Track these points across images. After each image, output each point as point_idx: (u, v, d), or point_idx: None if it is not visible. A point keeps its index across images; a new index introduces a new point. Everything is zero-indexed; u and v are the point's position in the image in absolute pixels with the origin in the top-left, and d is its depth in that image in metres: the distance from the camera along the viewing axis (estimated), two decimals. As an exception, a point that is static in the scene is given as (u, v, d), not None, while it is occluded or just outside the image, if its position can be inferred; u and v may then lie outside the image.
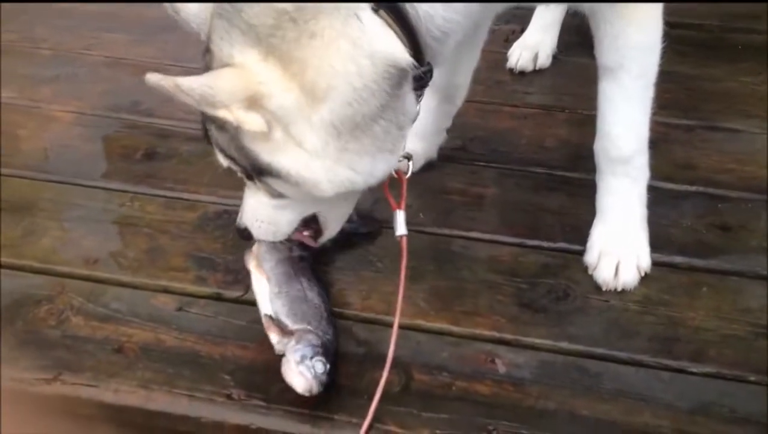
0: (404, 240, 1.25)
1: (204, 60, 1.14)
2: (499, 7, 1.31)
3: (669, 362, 1.27)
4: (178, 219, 1.52)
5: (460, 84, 1.57)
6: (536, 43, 1.95)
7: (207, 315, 1.33)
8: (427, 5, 1.06)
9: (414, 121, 1.17)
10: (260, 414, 1.19)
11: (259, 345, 1.28)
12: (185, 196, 1.57)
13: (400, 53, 1.05)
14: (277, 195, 1.18)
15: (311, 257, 1.36)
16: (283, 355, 1.20)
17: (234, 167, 1.18)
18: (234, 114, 1.04)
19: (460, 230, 1.50)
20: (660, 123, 1.52)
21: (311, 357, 1.17)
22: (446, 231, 1.50)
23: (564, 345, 1.29)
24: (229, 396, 1.21)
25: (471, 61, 1.55)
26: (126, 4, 2.15)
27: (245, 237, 1.28)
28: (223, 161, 1.19)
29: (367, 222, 1.46)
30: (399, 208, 1.26)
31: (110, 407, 1.21)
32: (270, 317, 1.25)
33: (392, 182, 1.25)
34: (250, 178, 1.18)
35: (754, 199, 1.56)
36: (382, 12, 1.04)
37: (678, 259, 1.44)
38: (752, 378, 1.24)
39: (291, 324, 1.23)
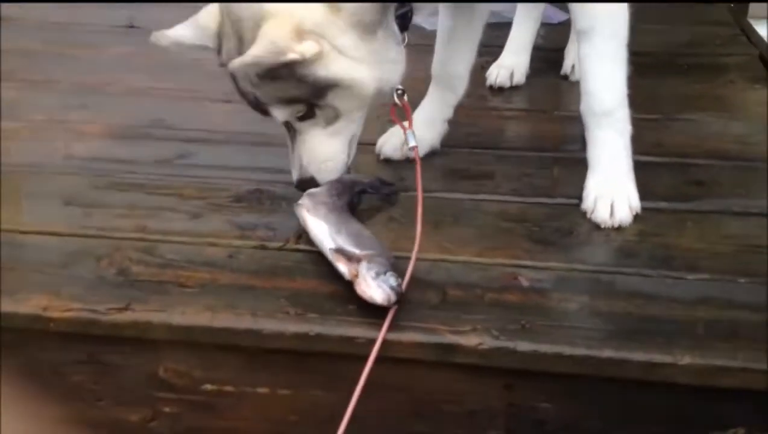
0: (417, 150, 1.55)
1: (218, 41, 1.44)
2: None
3: (669, 273, 1.44)
4: (213, 197, 1.66)
5: (460, 74, 1.80)
6: (512, 64, 2.21)
7: (255, 260, 1.47)
8: None
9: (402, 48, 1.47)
10: (317, 323, 1.31)
11: (308, 279, 1.41)
12: (219, 181, 1.72)
13: None
14: (332, 117, 1.42)
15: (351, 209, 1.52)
16: (352, 282, 1.32)
17: (292, 110, 1.41)
18: (297, 50, 1.30)
19: (468, 194, 1.68)
20: (629, 116, 1.74)
21: (385, 273, 1.30)
22: (456, 195, 1.68)
23: (577, 265, 1.46)
24: (287, 313, 1.33)
25: (468, 54, 1.79)
26: (142, 47, 2.34)
27: (306, 188, 1.50)
28: (281, 114, 1.42)
29: (386, 185, 1.64)
30: (409, 128, 1.54)
31: (178, 328, 1.33)
32: (335, 250, 1.38)
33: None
34: (309, 114, 1.41)
35: (720, 165, 1.79)
36: None
37: (663, 205, 1.63)
38: (742, 280, 1.42)
39: (359, 251, 1.35)
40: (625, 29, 1.57)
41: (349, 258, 1.36)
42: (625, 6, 1.57)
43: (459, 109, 1.88)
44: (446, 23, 1.76)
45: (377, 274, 1.30)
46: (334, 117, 1.43)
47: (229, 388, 1.37)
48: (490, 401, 1.33)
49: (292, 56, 1.30)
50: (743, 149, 1.85)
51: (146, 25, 2.52)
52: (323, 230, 1.42)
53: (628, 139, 1.61)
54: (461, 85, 1.81)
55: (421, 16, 1.79)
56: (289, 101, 1.40)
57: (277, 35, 1.30)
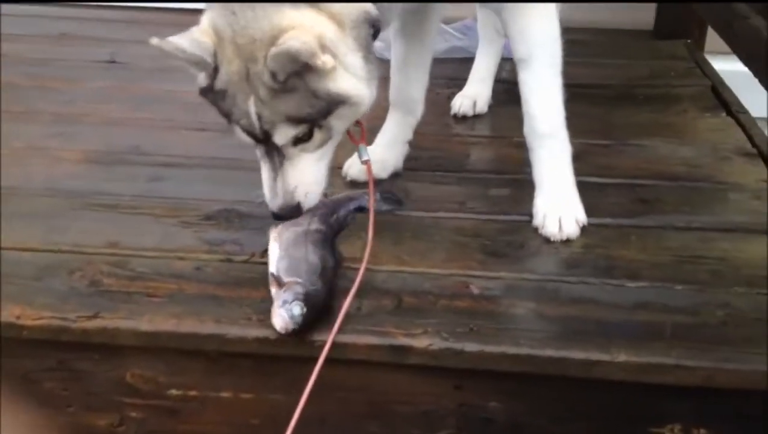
0: (369, 165, 1.60)
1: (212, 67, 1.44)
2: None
3: (611, 281, 1.53)
4: (184, 216, 1.74)
5: (416, 98, 1.91)
6: (474, 93, 2.32)
7: (222, 272, 1.55)
8: None
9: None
10: (279, 328, 1.39)
11: (271, 288, 1.50)
12: (190, 202, 1.80)
13: (370, 7, 1.45)
14: (324, 140, 1.48)
15: (331, 231, 1.56)
16: None
17: (297, 131, 1.45)
18: (321, 58, 1.37)
19: (427, 212, 1.77)
20: (582, 142, 1.84)
21: (291, 302, 1.36)
22: (415, 213, 1.77)
23: (525, 275, 1.55)
24: (249, 319, 1.41)
25: (421, 77, 1.90)
26: (122, 81, 2.46)
27: (288, 216, 1.52)
28: (284, 135, 1.45)
29: (388, 201, 1.74)
30: (361, 142, 1.59)
31: (145, 334, 1.40)
32: (272, 274, 1.45)
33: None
34: (307, 137, 1.46)
35: (666, 185, 1.89)
36: None
37: (608, 220, 1.73)
38: (679, 287, 1.52)
39: (285, 278, 1.42)
40: (559, 58, 1.68)
41: (279, 284, 1.42)
42: (558, 37, 1.68)
43: (424, 135, 2.00)
44: (399, 50, 1.88)
45: (284, 303, 1.37)
46: (326, 139, 1.49)
47: (193, 393, 1.44)
48: (441, 401, 1.41)
49: (319, 61, 1.36)
50: (690, 171, 1.96)
51: (127, 61, 2.67)
52: (274, 253, 1.49)
53: (569, 157, 1.72)
54: (418, 108, 1.92)
55: (386, 48, 1.90)
56: (297, 120, 1.44)
57: (306, 39, 1.35)
